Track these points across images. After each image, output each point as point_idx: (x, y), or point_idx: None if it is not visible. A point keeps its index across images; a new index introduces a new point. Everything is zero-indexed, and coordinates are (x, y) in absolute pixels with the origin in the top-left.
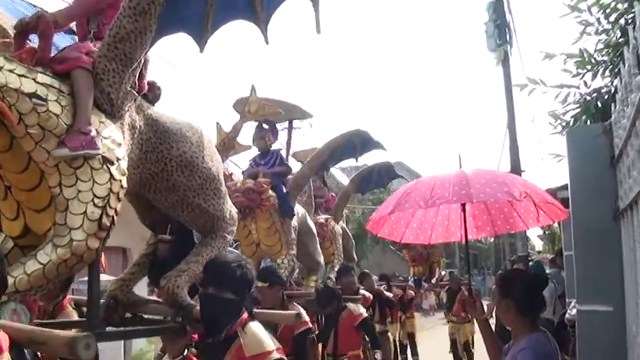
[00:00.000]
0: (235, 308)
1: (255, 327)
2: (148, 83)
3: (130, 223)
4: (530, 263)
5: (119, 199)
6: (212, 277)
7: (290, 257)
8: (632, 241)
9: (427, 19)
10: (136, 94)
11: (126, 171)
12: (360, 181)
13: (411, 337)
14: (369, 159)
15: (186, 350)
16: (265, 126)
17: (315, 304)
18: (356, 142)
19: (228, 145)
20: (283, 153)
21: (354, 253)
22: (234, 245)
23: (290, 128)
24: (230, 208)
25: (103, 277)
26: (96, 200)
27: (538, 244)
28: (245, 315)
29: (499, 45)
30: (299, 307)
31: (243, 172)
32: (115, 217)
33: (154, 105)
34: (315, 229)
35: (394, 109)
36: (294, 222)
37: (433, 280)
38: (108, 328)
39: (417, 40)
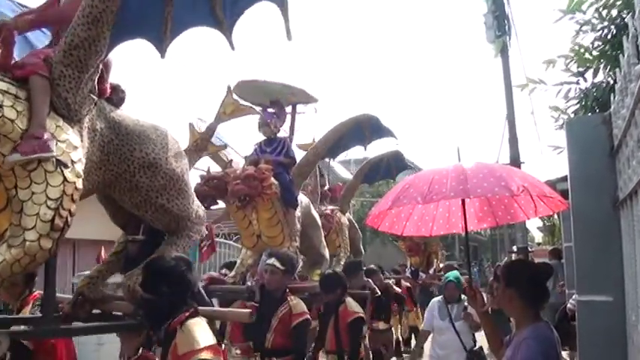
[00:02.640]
0: (167, 306)
1: (194, 324)
2: (112, 86)
3: None
4: (450, 273)
5: (73, 201)
6: (145, 275)
7: (293, 249)
8: (632, 231)
9: (427, 11)
10: (96, 98)
11: (82, 173)
12: (369, 171)
13: (415, 330)
14: (377, 148)
15: (141, 349)
16: (271, 110)
17: (319, 288)
18: (365, 128)
19: (201, 145)
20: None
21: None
22: (234, 238)
23: (293, 113)
24: (197, 208)
25: None
26: (49, 202)
27: (538, 236)
28: (187, 312)
29: (498, 36)
30: (298, 299)
31: (245, 158)
32: (70, 218)
33: (119, 107)
34: (319, 221)
35: (393, 101)
36: (298, 212)
37: (431, 271)
38: (74, 324)
39: (416, 33)
